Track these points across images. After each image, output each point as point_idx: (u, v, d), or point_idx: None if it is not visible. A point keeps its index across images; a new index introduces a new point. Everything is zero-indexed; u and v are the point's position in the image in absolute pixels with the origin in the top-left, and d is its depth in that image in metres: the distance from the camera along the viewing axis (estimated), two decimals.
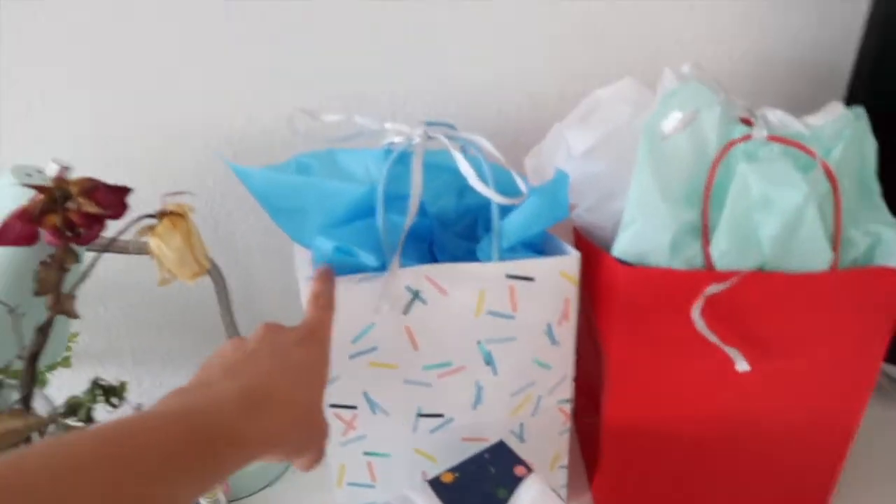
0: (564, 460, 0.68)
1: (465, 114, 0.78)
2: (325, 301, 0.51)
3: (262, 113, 0.73)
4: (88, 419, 0.51)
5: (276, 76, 0.72)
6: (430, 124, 0.57)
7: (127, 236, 0.53)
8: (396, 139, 0.58)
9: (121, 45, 0.68)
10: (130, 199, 0.53)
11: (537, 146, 0.68)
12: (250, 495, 0.74)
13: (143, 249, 0.57)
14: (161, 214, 0.53)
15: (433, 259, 0.62)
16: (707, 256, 0.55)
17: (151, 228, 0.53)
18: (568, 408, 0.65)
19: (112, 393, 0.54)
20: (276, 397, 0.41)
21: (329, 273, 0.53)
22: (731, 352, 0.56)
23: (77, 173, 0.53)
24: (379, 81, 0.74)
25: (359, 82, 0.74)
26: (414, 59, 0.74)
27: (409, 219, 0.55)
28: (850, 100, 0.75)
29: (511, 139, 0.81)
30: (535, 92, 0.79)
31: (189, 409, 0.37)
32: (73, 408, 0.51)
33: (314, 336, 0.48)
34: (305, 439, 0.44)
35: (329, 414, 0.60)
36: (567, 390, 0.64)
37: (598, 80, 0.78)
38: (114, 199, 0.54)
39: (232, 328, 0.76)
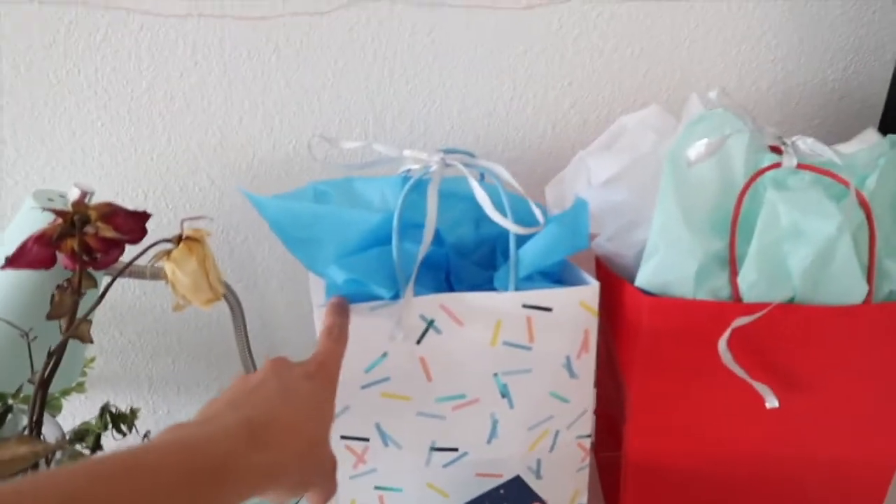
0: (584, 497, 0.66)
1: (486, 142, 0.78)
2: (337, 333, 0.50)
3: (285, 140, 0.73)
4: (97, 446, 0.50)
5: (299, 104, 0.72)
6: (447, 152, 0.56)
7: (144, 261, 0.53)
8: (414, 166, 0.57)
9: (146, 71, 0.69)
10: (149, 225, 0.53)
11: (559, 175, 0.67)
12: None
13: (159, 275, 0.56)
14: (178, 239, 0.53)
15: (450, 288, 0.61)
16: (735, 287, 0.53)
17: (168, 253, 0.52)
18: (587, 443, 0.63)
19: (122, 420, 0.53)
20: (281, 429, 0.40)
21: (343, 305, 0.52)
22: (760, 387, 0.53)
23: (99, 198, 0.54)
24: (400, 109, 0.74)
25: (379, 110, 0.74)
26: (435, 86, 0.74)
27: (424, 247, 0.53)
28: (884, 129, 0.73)
29: (533, 168, 0.80)
30: (559, 120, 0.78)
31: (187, 443, 0.36)
32: (80, 434, 0.50)
33: (323, 369, 0.47)
34: (312, 473, 0.43)
35: (340, 446, 0.59)
36: (587, 425, 0.62)
37: (622, 108, 0.78)
38: (133, 224, 0.54)
39: (247, 355, 0.75)
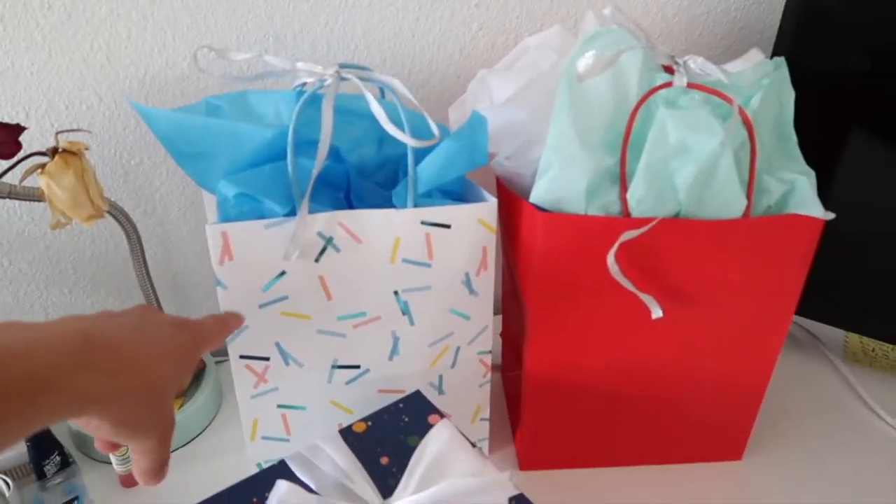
0: (486, 413, 0.68)
1: (393, 64, 0.76)
2: (223, 323, 0.50)
3: (180, 56, 0.69)
4: None
5: (193, 18, 0.68)
6: (343, 66, 0.55)
7: (17, 179, 0.50)
8: (309, 80, 0.56)
9: None
10: (25, 140, 0.49)
11: (461, 97, 0.67)
12: None
13: (33, 194, 0.53)
14: (53, 152, 0.50)
15: (350, 208, 0.60)
16: (624, 203, 0.55)
17: (42, 167, 0.50)
18: (488, 359, 0.64)
19: None
20: (126, 353, 0.37)
21: (241, 319, 0.52)
22: (646, 298, 0.56)
23: None
24: (301, 27, 0.71)
25: (279, 27, 0.71)
26: (337, 3, 0.71)
27: (319, 163, 0.52)
28: (777, 55, 0.75)
29: (441, 91, 0.79)
30: (466, 42, 0.77)
31: (4, 348, 0.32)
32: None
33: (193, 328, 0.45)
34: (145, 417, 0.39)
35: (239, 366, 0.58)
36: (488, 342, 0.63)
37: (530, 32, 0.77)
38: (5, 136, 0.51)
39: (147, 283, 0.73)
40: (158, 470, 0.42)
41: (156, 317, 0.43)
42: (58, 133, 0.50)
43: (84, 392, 0.35)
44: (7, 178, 0.53)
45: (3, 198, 0.59)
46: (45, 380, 0.33)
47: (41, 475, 0.64)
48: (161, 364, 0.40)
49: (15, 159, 0.49)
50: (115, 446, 0.42)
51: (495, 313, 0.63)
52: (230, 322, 0.51)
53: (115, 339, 0.37)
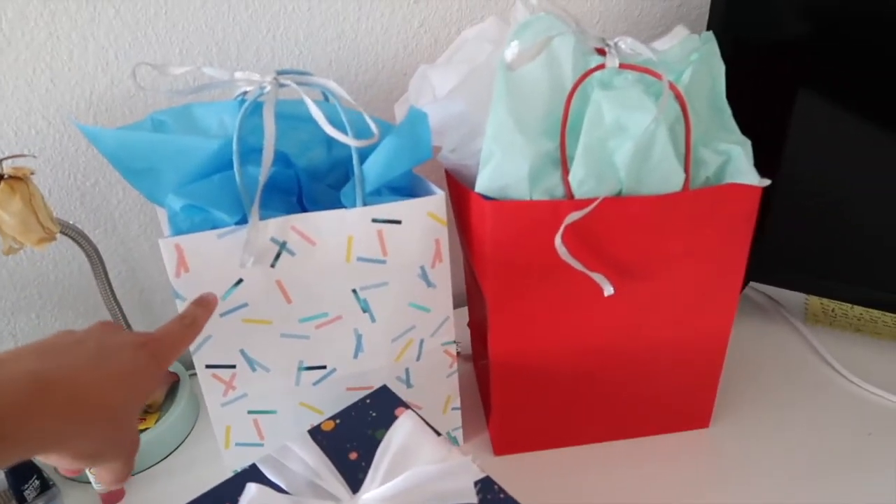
0: (456, 402, 0.69)
1: (339, 67, 0.77)
2: (189, 321, 0.48)
3: (123, 75, 0.69)
4: None
5: (134, 35, 0.68)
6: (281, 72, 0.56)
7: None
8: (248, 88, 0.56)
9: None
10: None
11: (405, 94, 0.68)
12: (144, 470, 0.72)
13: None
14: None
15: (303, 211, 0.61)
16: (567, 185, 0.56)
17: None
18: (453, 349, 0.66)
19: None
20: (81, 391, 0.37)
21: (209, 301, 0.51)
22: (597, 277, 0.57)
23: None
24: (242, 36, 0.72)
25: (221, 38, 0.71)
26: (277, 10, 0.72)
27: (264, 169, 0.53)
28: (710, 28, 0.77)
29: (390, 90, 0.80)
30: (409, 39, 0.78)
31: None
32: None
33: (156, 344, 0.44)
34: (106, 445, 0.40)
35: (206, 375, 0.59)
36: (449, 332, 0.64)
37: (471, 25, 0.78)
38: None
39: (113, 303, 0.73)
40: (121, 480, 0.42)
41: (115, 338, 0.42)
42: (1, 160, 0.50)
43: (38, 436, 0.35)
44: None
45: None
46: None
47: (22, 500, 0.64)
48: (120, 391, 0.40)
49: None
50: (79, 470, 0.42)
51: (461, 305, 0.64)
52: (197, 316, 0.49)
53: (69, 377, 0.37)
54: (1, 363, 0.36)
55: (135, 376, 0.42)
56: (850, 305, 0.91)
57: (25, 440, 0.34)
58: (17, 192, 0.50)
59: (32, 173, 0.51)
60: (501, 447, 0.71)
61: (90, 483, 0.67)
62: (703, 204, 0.57)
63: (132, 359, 0.42)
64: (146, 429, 0.73)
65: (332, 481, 0.50)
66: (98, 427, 0.38)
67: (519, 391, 0.67)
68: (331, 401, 0.63)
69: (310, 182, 0.62)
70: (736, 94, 0.61)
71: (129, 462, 0.42)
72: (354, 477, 0.51)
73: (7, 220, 0.49)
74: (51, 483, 0.67)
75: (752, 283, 0.93)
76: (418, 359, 0.64)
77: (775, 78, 0.74)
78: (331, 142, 0.63)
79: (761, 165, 0.58)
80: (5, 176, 0.50)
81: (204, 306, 0.50)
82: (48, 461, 0.38)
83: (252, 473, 0.52)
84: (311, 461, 0.52)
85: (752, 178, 0.57)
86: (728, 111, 0.60)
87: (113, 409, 0.39)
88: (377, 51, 0.77)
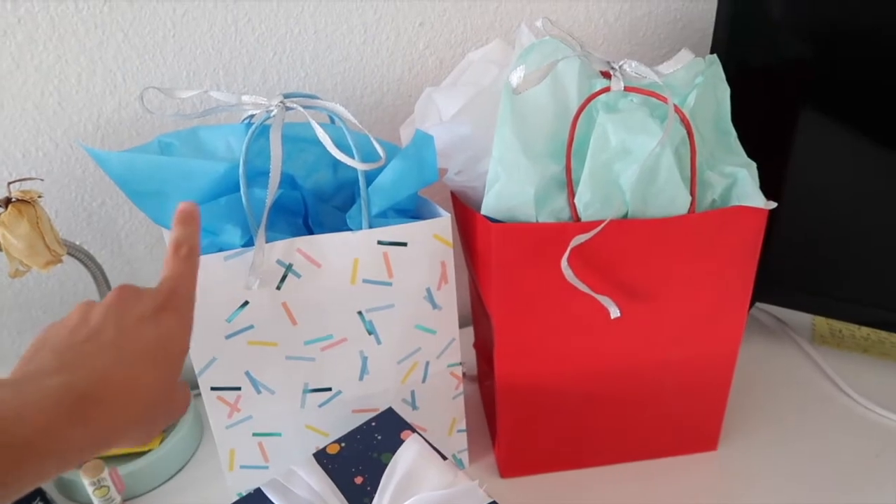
0: (462, 424, 0.69)
1: (345, 89, 0.77)
2: (186, 250, 0.44)
3: (131, 97, 0.70)
4: None
5: (142, 58, 0.69)
6: (287, 96, 0.56)
7: None
8: (255, 112, 0.57)
9: None
10: None
11: (411, 116, 0.68)
12: (149, 491, 0.71)
13: None
14: (6, 202, 0.51)
15: (310, 233, 0.61)
16: (573, 208, 0.56)
17: None
18: (459, 371, 0.65)
19: None
20: (115, 390, 0.36)
21: (189, 212, 0.46)
22: (603, 300, 0.57)
23: None
24: (249, 59, 0.72)
25: (228, 60, 0.72)
26: (283, 33, 0.72)
27: (271, 192, 0.54)
28: (714, 51, 0.78)
29: (395, 112, 0.80)
30: (415, 61, 0.78)
31: None
32: None
33: (173, 299, 0.42)
34: (151, 428, 0.39)
35: (211, 397, 0.59)
36: (455, 354, 0.64)
37: (476, 47, 0.79)
38: None
39: None
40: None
41: (132, 316, 0.40)
42: (9, 183, 0.51)
43: (77, 447, 0.34)
44: None
45: None
46: (36, 444, 0.32)
47: None
48: (157, 368, 0.39)
49: None
50: None
51: (466, 325, 0.64)
52: (189, 239, 0.45)
53: (99, 381, 0.36)
54: (27, 381, 0.34)
55: (166, 344, 0.41)
56: (857, 326, 0.91)
57: (66, 452, 0.34)
58: (24, 216, 0.50)
59: (40, 196, 0.51)
60: (508, 470, 0.71)
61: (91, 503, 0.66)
62: (709, 227, 0.57)
63: (157, 329, 0.40)
64: (150, 450, 0.72)
65: None
66: (139, 420, 0.38)
67: (525, 413, 0.67)
68: (336, 423, 0.63)
69: (316, 204, 0.63)
70: (739, 116, 0.61)
71: (184, 411, 0.42)
72: (360, 501, 0.50)
73: (14, 243, 0.49)
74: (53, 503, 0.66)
75: (758, 304, 0.93)
76: (424, 381, 0.64)
77: (778, 99, 0.74)
78: (337, 164, 0.63)
79: (766, 186, 0.58)
80: (13, 199, 0.51)
81: (189, 223, 0.45)
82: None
83: (257, 498, 0.51)
84: (316, 486, 0.51)
85: (758, 200, 0.57)
86: (733, 133, 0.61)
87: (154, 388, 0.39)
88: (382, 73, 0.77)
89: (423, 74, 0.79)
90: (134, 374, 0.38)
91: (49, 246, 0.51)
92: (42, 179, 0.61)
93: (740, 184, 0.57)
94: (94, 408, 0.35)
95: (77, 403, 0.34)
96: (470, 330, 0.84)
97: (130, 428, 0.37)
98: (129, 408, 0.37)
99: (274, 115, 0.55)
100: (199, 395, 0.79)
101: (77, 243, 0.68)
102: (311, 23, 0.73)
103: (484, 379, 0.80)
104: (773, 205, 0.57)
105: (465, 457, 0.71)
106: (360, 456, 0.54)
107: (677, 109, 0.55)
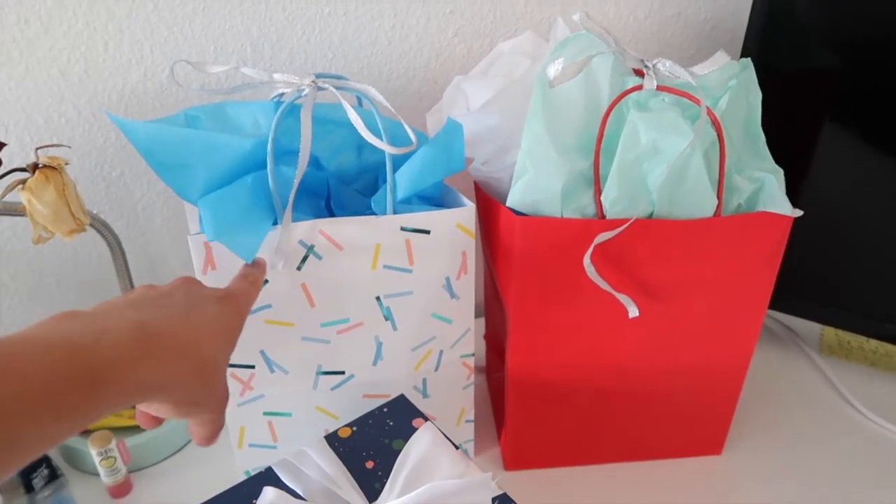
0: (470, 415, 0.69)
1: (371, 72, 0.77)
2: (252, 279, 0.49)
3: (157, 69, 0.70)
4: None
5: (170, 30, 0.68)
6: (320, 76, 0.55)
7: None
8: (286, 90, 0.56)
9: None
10: (5, 155, 0.50)
11: (438, 103, 0.68)
12: (153, 465, 0.72)
13: (14, 209, 0.54)
14: (34, 168, 0.50)
15: (331, 215, 0.61)
16: (599, 205, 0.56)
17: (23, 182, 0.50)
18: (471, 362, 0.65)
19: None
20: (177, 343, 0.38)
21: (263, 265, 0.52)
22: (623, 298, 0.57)
23: None
24: (277, 37, 0.72)
25: (256, 37, 0.71)
26: (313, 13, 0.72)
27: (300, 172, 0.53)
28: (746, 55, 0.77)
29: (419, 99, 0.80)
30: (443, 48, 0.78)
31: (73, 340, 0.33)
32: None
33: (233, 298, 0.46)
34: (204, 395, 0.41)
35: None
36: (469, 344, 0.64)
37: (505, 37, 0.78)
38: None
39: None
40: (215, 436, 0.44)
41: (199, 293, 0.43)
42: (37, 149, 0.50)
43: (146, 382, 0.36)
44: None
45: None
46: (109, 372, 0.33)
47: (29, 488, 0.64)
48: (212, 343, 0.41)
49: None
50: (157, 421, 0.43)
51: (477, 316, 0.64)
52: (256, 277, 0.50)
53: (168, 327, 0.38)
54: (102, 315, 0.36)
55: (224, 326, 0.43)
56: (865, 338, 0.91)
57: (132, 388, 0.35)
58: (50, 182, 0.50)
59: (67, 164, 0.51)
60: (513, 462, 0.71)
61: (98, 475, 0.66)
62: (733, 231, 0.57)
63: (219, 310, 0.43)
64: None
65: (349, 489, 0.50)
66: (197, 376, 0.39)
67: (534, 406, 0.67)
68: (347, 407, 0.63)
69: (338, 186, 0.62)
70: (765, 122, 0.61)
71: (222, 413, 0.44)
72: (370, 486, 0.50)
73: (40, 209, 0.49)
74: (59, 473, 0.66)
75: (768, 311, 0.93)
76: (437, 369, 0.64)
77: (805, 106, 0.74)
78: (361, 147, 0.63)
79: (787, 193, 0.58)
80: (40, 165, 0.50)
81: (259, 268, 0.52)
82: (150, 409, 0.40)
83: (268, 477, 0.51)
84: (327, 468, 0.52)
85: (784, 207, 0.56)
86: (762, 138, 0.60)
87: (208, 360, 0.41)
88: (410, 58, 0.77)
89: (450, 62, 0.78)
90: (196, 334, 0.40)
91: (74, 214, 0.50)
92: (69, 146, 0.60)
93: (767, 189, 0.57)
94: (162, 349, 0.37)
95: (149, 340, 0.36)
96: (480, 321, 0.84)
97: (189, 381, 0.39)
98: (191, 360, 0.39)
99: (305, 95, 0.54)
100: None
101: (94, 212, 0.68)
102: (342, 4, 0.72)
103: (492, 371, 0.80)
104: (799, 212, 0.56)
105: (470, 447, 0.71)
106: (371, 441, 0.54)
107: (709, 112, 0.55)
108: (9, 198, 0.53)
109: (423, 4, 0.74)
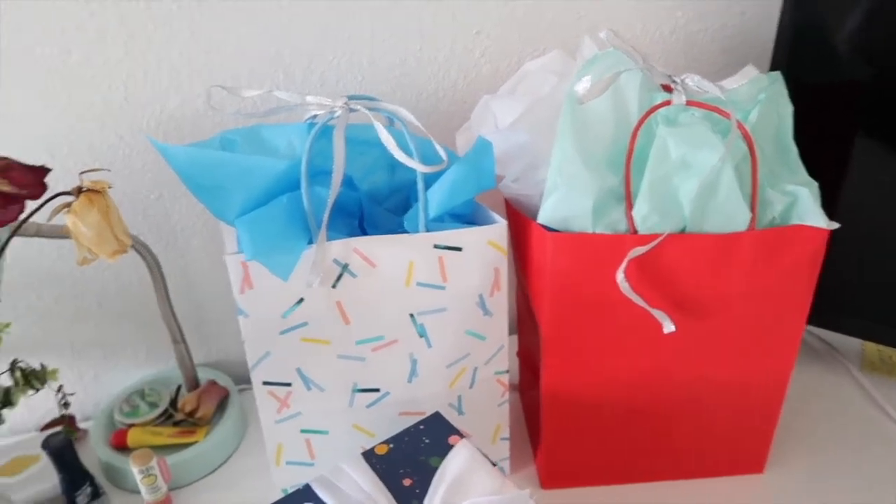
0: (506, 432, 0.69)
1: (401, 94, 0.78)
2: None
3: (195, 94, 0.72)
4: (7, 402, 0.50)
5: (207, 57, 0.71)
6: (352, 98, 0.57)
7: (45, 216, 0.52)
8: (319, 112, 0.58)
9: (48, 22, 0.66)
10: (51, 180, 0.51)
11: (467, 122, 0.69)
12: (194, 482, 0.73)
13: (59, 232, 0.55)
14: (78, 191, 0.52)
15: (363, 234, 0.62)
16: (630, 220, 0.56)
17: (68, 206, 0.52)
18: (505, 378, 0.65)
19: (33, 376, 0.52)
20: None
21: None
22: (658, 314, 0.57)
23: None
24: (308, 61, 0.74)
25: (288, 63, 0.73)
26: (342, 37, 0.74)
27: (333, 191, 0.54)
28: (774, 69, 0.77)
29: (449, 119, 0.81)
30: (470, 69, 0.79)
31: None
32: None
33: None
34: None
35: (262, 392, 0.60)
36: (503, 361, 0.64)
37: (532, 56, 0.79)
38: (31, 178, 0.53)
39: (170, 315, 0.75)
40: None
41: None
42: (81, 173, 0.52)
43: None
44: (34, 218, 0.55)
45: (31, 236, 0.61)
46: None
47: None
48: None
49: (41, 200, 0.51)
50: None
51: (510, 333, 0.64)
52: None
53: None
54: None
55: None
56: None
57: None
58: (94, 205, 0.51)
59: (110, 187, 0.53)
60: (549, 481, 0.70)
61: (139, 493, 0.67)
62: (768, 244, 0.56)
63: None
64: (195, 442, 0.74)
65: None
66: None
67: (570, 424, 0.67)
68: (383, 424, 0.63)
69: (370, 205, 0.63)
70: (796, 135, 0.61)
71: None
72: (408, 503, 0.50)
73: (84, 231, 0.51)
74: (101, 491, 0.68)
75: (807, 327, 0.91)
76: (471, 386, 0.64)
77: (836, 118, 0.73)
78: (393, 166, 0.64)
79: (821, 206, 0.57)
80: (84, 189, 0.52)
81: None
82: None
83: (306, 494, 0.52)
84: (365, 484, 0.52)
85: (820, 220, 0.56)
86: (794, 151, 0.60)
87: None
88: (438, 79, 0.78)
89: (477, 82, 0.79)
90: None
91: (117, 235, 0.52)
92: (110, 170, 0.63)
93: (802, 202, 0.57)
94: None
95: None
96: (513, 338, 0.84)
97: None
98: None
99: (338, 117, 0.55)
100: (246, 390, 0.81)
101: (134, 234, 0.70)
102: (369, 27, 0.74)
103: (526, 388, 0.80)
104: (835, 225, 0.56)
105: (506, 465, 0.71)
106: (408, 458, 0.55)
107: (740, 125, 0.55)
108: (55, 221, 0.55)
109: (449, 26, 0.76)
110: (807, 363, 0.87)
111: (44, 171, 0.53)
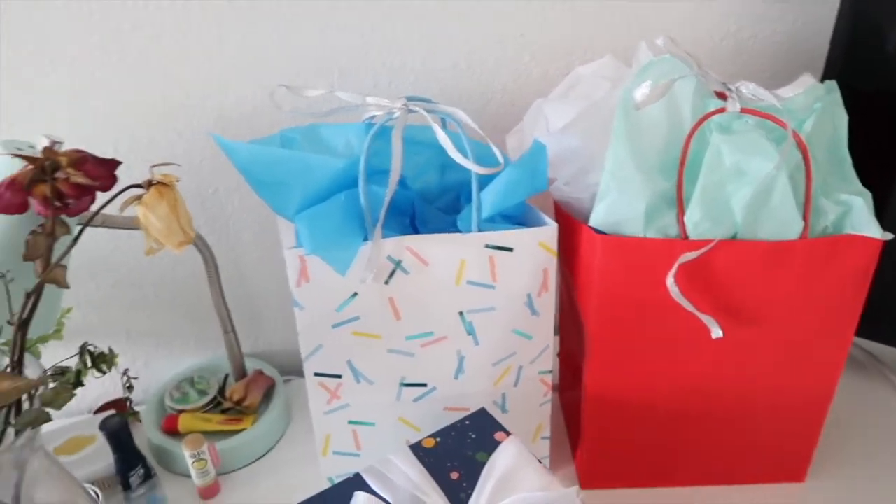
0: (547, 431, 0.70)
1: (451, 94, 0.79)
2: None
3: (250, 92, 0.74)
4: (78, 383, 0.52)
5: (258, 58, 0.73)
6: (410, 99, 0.58)
7: (115, 208, 0.54)
8: (377, 113, 0.59)
9: (114, 22, 0.69)
10: (119, 173, 0.54)
11: (518, 125, 0.70)
12: (241, 468, 0.75)
13: (129, 223, 0.58)
14: (148, 184, 0.54)
15: (415, 232, 0.64)
16: (682, 226, 0.57)
17: (139, 198, 0.54)
18: (549, 378, 0.66)
19: (101, 360, 0.55)
20: None
21: None
22: (706, 319, 0.57)
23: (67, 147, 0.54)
24: (361, 61, 0.76)
25: (343, 63, 0.75)
26: (398, 40, 0.75)
27: (390, 190, 0.56)
28: (827, 78, 0.76)
29: (497, 121, 0.82)
30: (520, 72, 0.80)
31: None
32: (61, 372, 0.52)
33: None
34: None
35: (314, 383, 0.62)
36: (548, 361, 0.65)
37: (582, 61, 0.80)
38: (103, 170, 0.55)
39: (222, 306, 0.77)
40: None
41: None
42: (152, 167, 0.54)
43: None
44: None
45: (97, 227, 0.64)
46: None
47: (127, 486, 0.68)
48: None
49: (113, 192, 0.54)
50: None
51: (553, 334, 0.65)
52: None
53: None
54: None
55: None
56: None
57: None
58: (164, 198, 0.53)
59: (178, 181, 0.55)
60: (588, 481, 0.71)
61: (188, 476, 0.70)
62: (820, 253, 0.56)
63: None
64: (242, 430, 0.76)
65: (436, 498, 0.51)
66: None
67: (611, 426, 0.67)
68: (428, 418, 0.64)
69: (422, 204, 0.65)
70: (849, 144, 0.61)
71: None
72: (456, 496, 0.52)
73: (154, 222, 0.53)
74: (153, 473, 0.70)
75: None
76: (516, 385, 0.65)
77: (889, 130, 0.73)
78: (444, 167, 0.65)
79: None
80: (154, 182, 0.54)
81: None
82: None
83: (356, 483, 0.53)
84: (414, 476, 0.53)
85: (874, 230, 0.56)
86: (849, 161, 0.60)
87: None
88: (487, 81, 0.79)
89: (527, 85, 0.80)
90: None
91: (183, 227, 0.54)
92: (179, 165, 0.65)
93: (855, 212, 0.57)
94: None
95: None
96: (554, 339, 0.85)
97: None
98: None
99: (396, 118, 0.57)
100: (291, 380, 0.83)
101: None
102: (423, 29, 0.75)
103: (566, 389, 0.80)
104: (889, 235, 0.56)
105: (546, 464, 0.72)
106: (454, 452, 0.56)
107: (795, 134, 0.55)
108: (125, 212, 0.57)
109: (498, 29, 0.77)
110: (850, 374, 0.86)
111: (115, 163, 0.55)
